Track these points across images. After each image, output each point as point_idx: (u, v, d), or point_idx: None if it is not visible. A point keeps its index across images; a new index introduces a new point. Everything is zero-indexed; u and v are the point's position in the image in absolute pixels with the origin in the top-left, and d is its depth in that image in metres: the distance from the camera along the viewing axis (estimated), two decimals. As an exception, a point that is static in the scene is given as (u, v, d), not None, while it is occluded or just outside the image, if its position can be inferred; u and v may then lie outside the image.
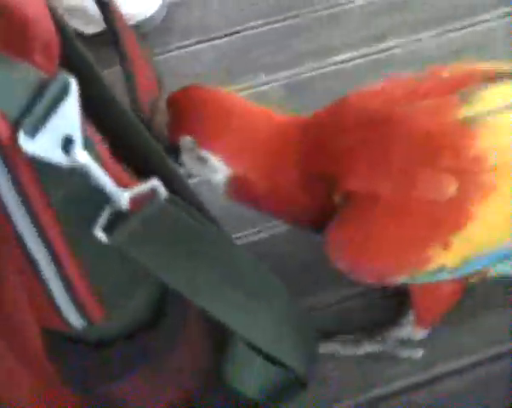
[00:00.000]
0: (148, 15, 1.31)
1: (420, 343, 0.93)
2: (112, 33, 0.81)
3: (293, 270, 1.00)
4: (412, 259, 0.82)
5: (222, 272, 0.75)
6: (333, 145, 0.83)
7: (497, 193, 0.79)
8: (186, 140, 0.85)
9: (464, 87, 0.84)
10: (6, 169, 0.62)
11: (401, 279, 0.84)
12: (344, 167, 0.82)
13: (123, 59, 0.82)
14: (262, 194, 0.87)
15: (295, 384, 0.83)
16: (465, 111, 0.81)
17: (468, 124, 0.80)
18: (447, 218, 0.80)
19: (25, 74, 0.61)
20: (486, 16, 1.27)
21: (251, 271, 0.79)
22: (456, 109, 0.81)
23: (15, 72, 0.61)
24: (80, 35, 1.28)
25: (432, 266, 0.82)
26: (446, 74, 0.87)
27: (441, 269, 0.82)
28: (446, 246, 0.81)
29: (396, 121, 0.82)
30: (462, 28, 1.26)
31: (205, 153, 0.85)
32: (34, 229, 0.65)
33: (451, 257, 0.81)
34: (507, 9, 1.27)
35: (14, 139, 0.59)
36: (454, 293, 0.90)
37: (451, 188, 0.79)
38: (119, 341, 0.73)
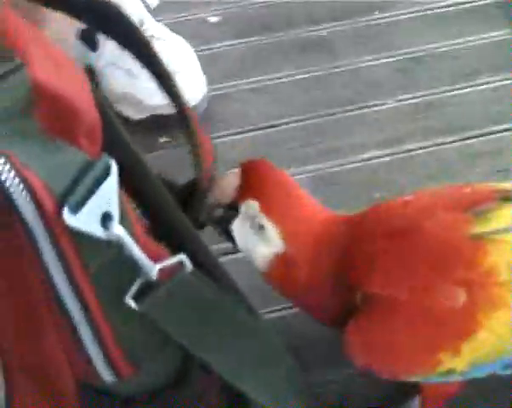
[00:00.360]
0: (192, 104, 1.30)
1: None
2: (180, 111, 0.82)
3: (302, 346, 1.00)
4: (424, 363, 0.83)
5: (244, 344, 0.76)
6: (361, 249, 0.84)
7: (505, 306, 0.80)
8: (251, 204, 0.85)
9: (482, 204, 0.85)
10: (49, 238, 0.63)
11: (414, 378, 0.85)
12: (367, 272, 0.83)
13: (191, 135, 0.81)
14: (301, 280, 0.86)
15: None
16: (479, 228, 0.82)
17: (481, 240, 0.81)
18: (458, 326, 0.81)
19: (72, 156, 0.63)
20: (505, 125, 1.29)
21: (269, 345, 0.80)
22: (471, 225, 0.83)
23: (64, 154, 0.63)
24: (126, 120, 1.32)
25: (442, 369, 0.83)
26: (467, 190, 0.89)
27: (451, 371, 0.83)
28: (455, 351, 0.81)
29: (416, 234, 0.83)
30: (479, 136, 1.28)
31: (266, 221, 0.85)
32: (72, 292, 0.66)
33: (460, 362, 0.82)
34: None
35: (59, 213, 0.61)
36: (461, 386, 0.90)
37: (462, 298, 0.80)
38: (145, 397, 0.74)
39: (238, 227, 0.86)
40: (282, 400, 0.81)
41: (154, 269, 0.66)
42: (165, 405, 0.75)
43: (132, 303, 0.66)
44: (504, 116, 1.30)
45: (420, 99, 1.36)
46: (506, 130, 1.28)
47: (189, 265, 0.69)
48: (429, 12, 1.55)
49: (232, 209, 0.85)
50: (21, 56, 0.62)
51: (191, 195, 0.84)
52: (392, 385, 0.93)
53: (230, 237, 0.88)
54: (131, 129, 1.16)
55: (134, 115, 1.32)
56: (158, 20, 1.40)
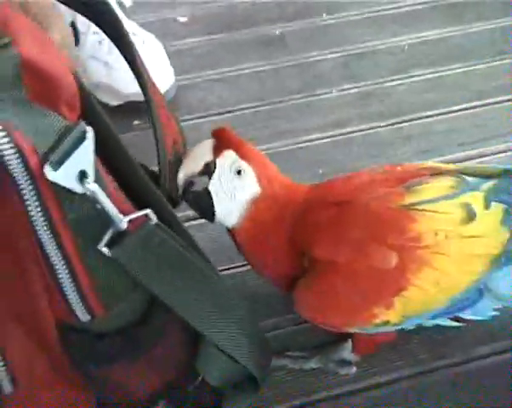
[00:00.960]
0: (162, 92, 1.35)
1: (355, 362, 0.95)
2: (145, 97, 0.83)
3: (262, 298, 1.02)
4: (362, 316, 0.85)
5: (198, 288, 0.78)
6: (308, 219, 0.86)
7: (430, 266, 0.83)
8: (229, 153, 0.85)
9: (412, 179, 0.87)
10: (34, 191, 0.65)
11: (352, 329, 0.87)
12: (312, 238, 0.85)
13: (153, 116, 0.83)
14: (270, 225, 0.87)
15: (250, 382, 0.86)
16: (409, 199, 0.84)
17: (410, 210, 0.84)
18: (391, 284, 0.83)
19: (54, 121, 0.66)
20: (434, 111, 1.33)
21: (223, 291, 0.81)
22: (402, 197, 0.85)
23: (47, 119, 0.66)
24: (105, 106, 1.33)
25: (377, 322, 0.85)
26: (399, 168, 0.91)
27: (385, 323, 0.85)
28: (389, 306, 0.84)
29: (355, 206, 0.85)
30: (409, 120, 1.31)
31: (244, 164, 0.85)
32: (53, 240, 0.68)
33: (393, 315, 0.84)
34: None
35: (42, 169, 0.63)
36: (389, 336, 0.93)
37: (393, 260, 0.82)
38: (114, 333, 0.76)
39: (215, 184, 0.85)
40: (235, 341, 0.83)
41: (123, 221, 0.69)
42: (131, 338, 0.77)
43: (105, 250, 0.69)
44: (434, 103, 1.33)
45: (360, 89, 1.38)
46: (433, 116, 1.31)
47: (154, 218, 0.71)
48: (370, 14, 1.57)
49: (204, 174, 0.85)
50: (11, 36, 0.64)
51: (158, 176, 0.84)
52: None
53: (203, 209, 0.87)
54: (108, 114, 1.21)
55: (111, 101, 1.34)
56: (132, 19, 1.41)
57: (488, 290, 0.87)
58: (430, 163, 0.93)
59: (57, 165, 0.64)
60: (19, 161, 0.63)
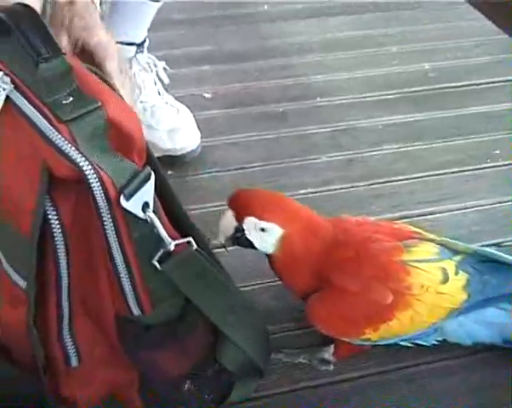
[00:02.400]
0: (190, 150, 1.38)
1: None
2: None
3: (265, 310, 1.06)
4: (354, 332, 0.94)
5: (222, 296, 0.83)
6: (332, 254, 0.92)
7: (412, 308, 0.91)
8: (250, 219, 0.90)
9: (408, 239, 0.95)
10: (110, 214, 0.71)
11: (343, 338, 0.95)
12: (334, 267, 0.92)
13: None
14: (298, 255, 0.91)
15: (255, 370, 0.91)
16: (406, 256, 0.92)
17: (406, 265, 0.92)
18: (382, 315, 0.92)
19: (129, 165, 0.72)
20: (400, 177, 1.40)
21: (239, 300, 0.86)
22: (401, 253, 0.93)
23: (123, 163, 0.72)
24: None
25: (363, 337, 0.93)
26: (397, 226, 0.99)
27: (367, 340, 0.94)
28: (375, 329, 0.92)
29: (368, 252, 0.92)
30: (382, 183, 1.35)
31: (265, 224, 0.89)
32: (120, 252, 0.74)
33: (375, 336, 0.93)
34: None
35: (118, 199, 0.70)
36: (363, 349, 0.99)
37: (389, 299, 0.91)
38: (158, 326, 0.79)
39: (253, 236, 0.91)
40: (246, 338, 0.86)
41: (172, 244, 0.74)
42: (170, 331, 0.80)
43: (157, 264, 0.74)
44: (401, 170, 1.38)
45: (344, 157, 1.42)
46: (399, 180, 1.36)
47: (194, 245, 0.77)
48: (353, 100, 1.63)
49: (240, 231, 0.91)
50: (100, 100, 0.71)
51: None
52: (319, 336, 0.99)
53: (248, 246, 0.93)
54: None
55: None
56: (169, 93, 1.47)
57: (440, 329, 0.96)
58: (419, 230, 1.00)
59: (129, 196, 0.70)
60: (102, 191, 0.69)
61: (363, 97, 1.65)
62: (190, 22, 1.96)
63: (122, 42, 1.37)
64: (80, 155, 0.68)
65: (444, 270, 0.93)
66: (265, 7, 2.07)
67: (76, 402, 0.84)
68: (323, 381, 0.98)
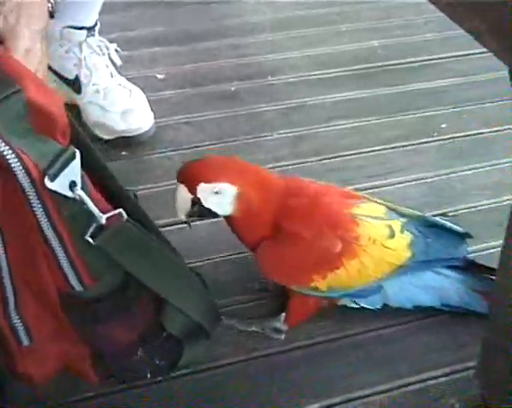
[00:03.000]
0: (144, 131, 1.40)
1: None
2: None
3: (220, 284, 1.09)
4: (303, 278, 0.96)
5: (161, 265, 0.84)
6: (288, 203, 0.95)
7: (359, 258, 0.95)
8: (203, 186, 0.92)
9: (358, 199, 1.00)
10: (37, 196, 0.72)
11: (292, 286, 0.97)
12: (288, 214, 0.94)
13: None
14: (254, 209, 0.93)
15: (203, 333, 0.92)
16: (356, 211, 0.97)
17: (356, 218, 0.96)
18: (330, 263, 0.95)
19: (52, 145, 0.73)
20: (351, 151, 1.42)
21: (180, 267, 0.88)
22: (352, 207, 0.97)
23: (46, 144, 0.73)
24: (101, 139, 1.37)
25: (311, 285, 0.95)
26: (348, 189, 1.06)
27: (316, 289, 0.96)
28: (323, 277, 0.95)
29: (321, 202, 0.96)
30: (331, 158, 1.40)
31: (217, 186, 0.91)
32: (53, 231, 0.76)
33: (323, 284, 0.96)
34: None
35: (43, 181, 0.71)
36: (313, 312, 1.02)
37: (338, 247, 0.94)
38: (101, 299, 0.82)
39: (209, 202, 0.92)
40: (190, 303, 0.88)
41: (103, 218, 0.76)
42: (114, 302, 0.83)
43: (90, 240, 0.76)
44: (350, 145, 1.41)
45: (295, 134, 1.45)
46: (349, 155, 1.39)
47: (124, 216, 0.78)
48: (303, 78, 1.65)
49: (196, 202, 0.93)
50: (20, 83, 0.71)
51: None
52: (272, 305, 1.04)
53: (207, 215, 0.96)
54: (103, 146, 1.27)
55: (105, 136, 1.38)
56: (122, 75, 1.47)
57: (383, 291, 1.00)
58: (367, 196, 1.04)
59: (54, 177, 0.71)
60: (25, 175, 0.70)
61: (314, 74, 1.67)
62: (143, 4, 1.94)
63: (72, 27, 1.38)
64: (0, 141, 0.69)
65: (390, 228, 0.97)
66: (218, -13, 2.07)
67: (31, 378, 0.86)
68: (275, 350, 1.02)
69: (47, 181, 0.71)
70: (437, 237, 1.01)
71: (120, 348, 0.88)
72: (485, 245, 1.15)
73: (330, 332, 1.04)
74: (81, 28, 1.39)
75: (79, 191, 0.73)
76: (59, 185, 0.72)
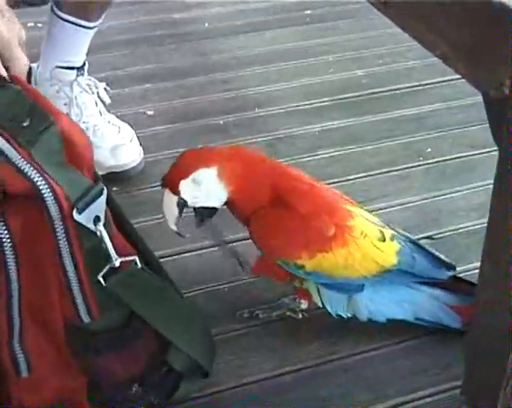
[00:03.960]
0: (133, 166, 1.43)
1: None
2: None
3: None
4: (293, 252, 0.97)
5: (167, 309, 0.88)
6: (283, 180, 0.98)
7: (348, 248, 0.97)
8: (183, 183, 0.93)
9: (351, 202, 1.03)
10: (62, 225, 0.75)
11: (279, 261, 0.98)
12: (285, 191, 0.97)
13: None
14: (244, 179, 0.95)
15: (201, 371, 0.95)
16: (352, 208, 1.00)
17: (351, 212, 0.99)
18: (321, 244, 0.97)
19: (82, 178, 0.77)
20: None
21: (184, 310, 0.91)
22: (347, 203, 1.01)
23: (78, 177, 0.77)
24: None
25: (297, 263, 0.97)
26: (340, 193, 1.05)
27: (301, 267, 0.97)
28: (311, 256, 0.96)
29: (319, 189, 1.01)
30: None
31: (195, 175, 0.92)
32: (71, 261, 0.78)
33: (309, 264, 0.97)
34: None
35: (71, 212, 0.75)
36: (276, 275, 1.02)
37: (331, 232, 0.96)
38: (106, 332, 0.84)
39: (196, 198, 0.93)
40: (191, 344, 0.90)
41: (117, 260, 0.79)
42: (117, 336, 0.85)
43: (101, 280, 0.79)
44: (333, 174, 1.42)
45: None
46: (333, 183, 1.38)
47: (138, 263, 0.82)
48: (289, 109, 1.68)
49: (182, 203, 0.93)
50: (53, 117, 0.76)
51: None
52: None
53: (207, 214, 0.96)
54: None
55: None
56: (111, 112, 1.49)
57: (357, 300, 1.01)
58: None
59: (82, 210, 0.75)
60: (55, 205, 0.74)
61: (300, 105, 1.70)
62: (132, 43, 1.99)
63: (61, 67, 1.40)
64: (35, 172, 0.73)
65: (382, 232, 1.00)
66: (206, 25, 2.12)
67: (23, 403, 0.87)
68: (266, 375, 1.04)
69: (75, 213, 0.74)
70: (423, 256, 1.03)
71: (117, 382, 0.89)
72: (471, 265, 1.16)
73: (319, 356, 1.06)
74: (71, 68, 1.41)
75: (101, 227, 0.77)
76: (85, 218, 0.76)
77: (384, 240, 0.99)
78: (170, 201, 0.94)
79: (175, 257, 1.10)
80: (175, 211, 0.94)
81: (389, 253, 1.00)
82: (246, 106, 1.69)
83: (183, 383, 0.93)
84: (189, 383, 0.95)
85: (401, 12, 0.74)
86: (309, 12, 2.17)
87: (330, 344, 1.06)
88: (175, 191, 0.93)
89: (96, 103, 1.45)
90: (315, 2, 2.19)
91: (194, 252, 1.14)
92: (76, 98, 1.43)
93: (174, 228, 0.96)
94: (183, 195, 0.93)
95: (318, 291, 1.02)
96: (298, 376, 1.03)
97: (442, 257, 1.06)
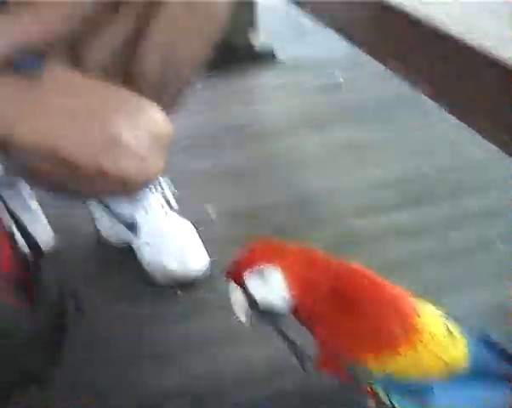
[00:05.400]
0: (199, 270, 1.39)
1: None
2: None
3: None
4: (361, 357, 0.94)
5: None
6: (344, 280, 0.95)
7: (415, 350, 0.93)
8: (247, 275, 0.91)
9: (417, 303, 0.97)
10: None
11: (345, 362, 0.95)
12: (350, 291, 0.94)
13: None
14: (308, 282, 0.92)
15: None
16: (416, 304, 0.96)
17: (418, 309, 0.95)
18: (390, 346, 0.93)
19: None
20: None
21: None
22: (412, 298, 0.97)
23: None
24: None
25: (368, 365, 0.93)
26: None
27: (369, 371, 0.94)
28: (377, 357, 0.93)
29: (383, 286, 0.97)
30: None
31: (258, 268, 0.91)
32: None
33: (374, 365, 0.93)
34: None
35: None
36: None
37: (399, 333, 0.93)
38: None
39: (260, 292, 0.92)
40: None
41: None
42: None
43: None
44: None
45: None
46: None
47: None
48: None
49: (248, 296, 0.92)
50: None
51: None
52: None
53: (268, 317, 0.95)
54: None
55: (161, 277, 1.41)
56: (178, 213, 1.50)
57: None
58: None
59: None
60: None
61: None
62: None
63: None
64: None
65: (447, 328, 0.96)
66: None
67: None
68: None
69: None
70: (490, 349, 0.99)
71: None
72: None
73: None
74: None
75: None
76: None
77: (451, 336, 0.96)
78: (237, 294, 0.92)
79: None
80: (244, 303, 0.93)
81: (458, 350, 0.96)
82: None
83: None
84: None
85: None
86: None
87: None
88: (241, 282, 0.92)
89: (162, 205, 1.47)
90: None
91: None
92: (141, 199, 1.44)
93: (245, 320, 0.94)
94: (248, 288, 0.92)
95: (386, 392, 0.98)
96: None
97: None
